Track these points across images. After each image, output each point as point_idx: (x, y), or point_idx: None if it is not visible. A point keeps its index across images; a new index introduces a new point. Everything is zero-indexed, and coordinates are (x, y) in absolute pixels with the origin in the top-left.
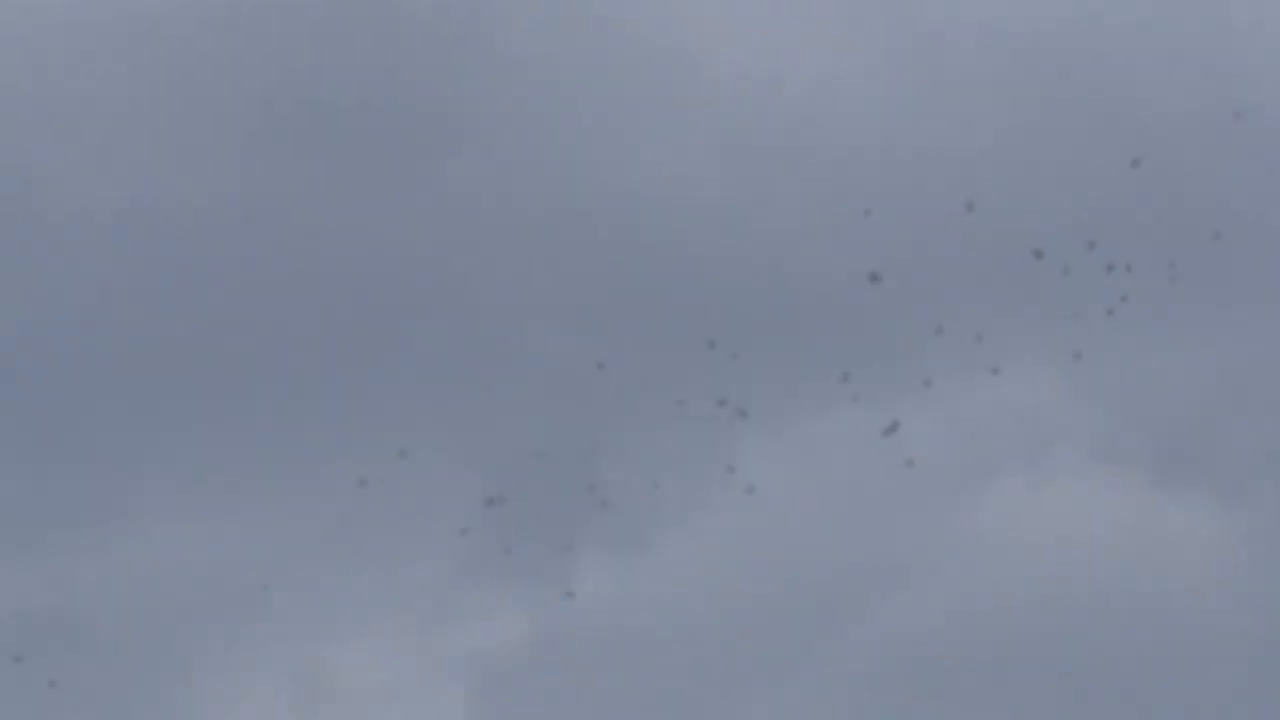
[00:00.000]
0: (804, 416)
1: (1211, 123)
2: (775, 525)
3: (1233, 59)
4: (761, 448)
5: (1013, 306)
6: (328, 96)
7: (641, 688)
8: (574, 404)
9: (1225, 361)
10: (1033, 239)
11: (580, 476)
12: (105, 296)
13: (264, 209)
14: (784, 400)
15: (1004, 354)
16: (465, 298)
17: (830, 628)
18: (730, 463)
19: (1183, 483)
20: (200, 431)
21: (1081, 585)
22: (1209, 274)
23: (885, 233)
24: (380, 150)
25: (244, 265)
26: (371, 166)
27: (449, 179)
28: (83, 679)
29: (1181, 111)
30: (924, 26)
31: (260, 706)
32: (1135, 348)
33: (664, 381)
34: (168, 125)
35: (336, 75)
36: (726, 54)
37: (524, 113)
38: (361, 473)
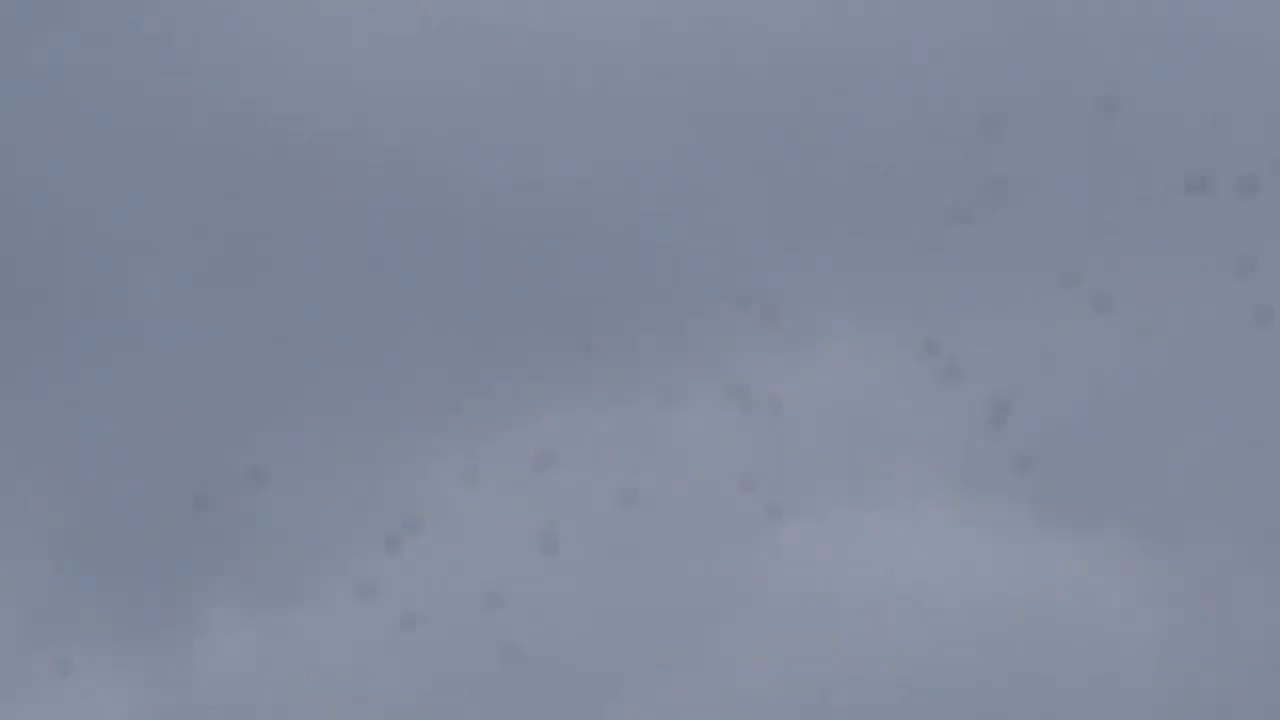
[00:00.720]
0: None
1: None
2: (483, 568)
3: None
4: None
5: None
6: None
7: None
8: (219, 395)
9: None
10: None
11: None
12: None
13: None
14: None
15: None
16: (42, 233)
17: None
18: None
19: (1084, 517)
20: None
21: (939, 655)
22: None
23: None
24: None
25: None
26: None
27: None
28: None
29: None
30: None
31: None
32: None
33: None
34: None
35: None
36: None
37: None
38: None
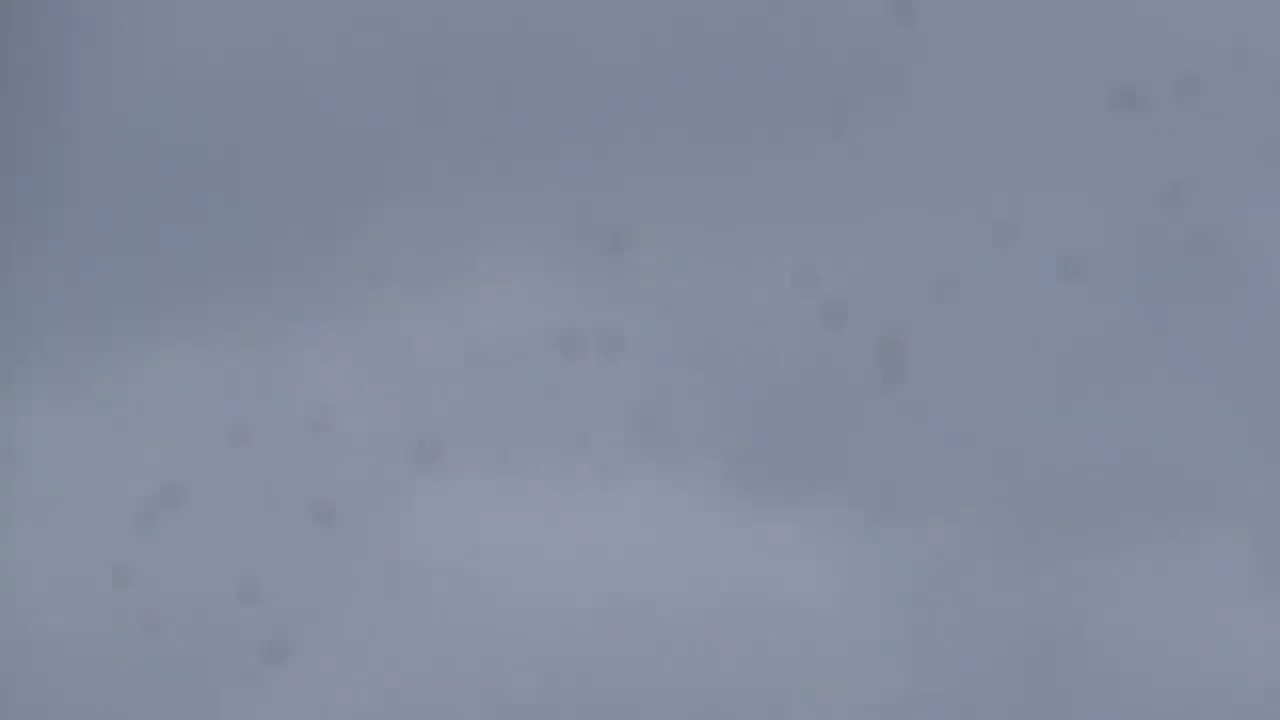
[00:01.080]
0: None
1: None
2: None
3: None
4: None
5: None
6: None
7: None
8: None
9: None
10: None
11: None
12: None
13: None
14: None
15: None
16: None
17: None
18: None
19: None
20: None
21: (614, 648)
22: None
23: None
24: None
25: None
26: None
27: None
28: None
29: None
30: None
31: None
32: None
33: None
34: None
35: None
36: None
37: None
38: None
